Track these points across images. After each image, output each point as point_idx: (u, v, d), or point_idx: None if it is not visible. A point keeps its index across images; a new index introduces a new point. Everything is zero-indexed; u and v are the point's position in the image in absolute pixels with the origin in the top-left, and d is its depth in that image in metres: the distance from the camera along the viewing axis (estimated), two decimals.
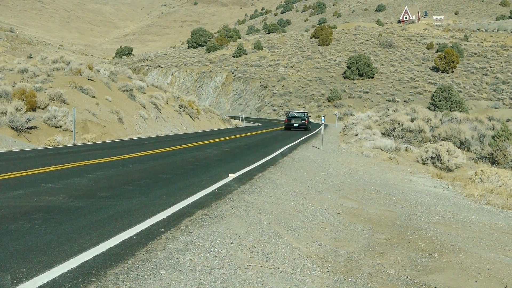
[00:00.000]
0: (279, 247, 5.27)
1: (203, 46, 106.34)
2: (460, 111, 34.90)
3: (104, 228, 5.16)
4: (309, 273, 4.79)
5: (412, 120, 23.55)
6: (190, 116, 34.96)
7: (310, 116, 35.82)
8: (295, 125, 31.48)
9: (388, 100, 64.52)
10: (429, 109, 35.87)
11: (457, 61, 74.63)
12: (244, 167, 10.59)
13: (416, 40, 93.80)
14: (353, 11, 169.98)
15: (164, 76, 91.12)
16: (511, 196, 10.58)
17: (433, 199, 9.57)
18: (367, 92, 69.22)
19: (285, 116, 34.78)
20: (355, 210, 7.83)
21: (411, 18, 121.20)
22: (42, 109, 19.59)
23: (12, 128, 17.12)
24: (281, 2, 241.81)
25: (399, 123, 23.50)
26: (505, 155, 16.82)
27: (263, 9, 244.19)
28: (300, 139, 21.97)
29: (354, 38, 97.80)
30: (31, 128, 17.79)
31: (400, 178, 12.50)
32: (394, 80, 73.61)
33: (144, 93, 30.88)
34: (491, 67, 74.44)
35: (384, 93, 68.57)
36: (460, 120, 24.05)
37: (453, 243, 6.21)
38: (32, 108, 19.13)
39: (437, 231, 6.81)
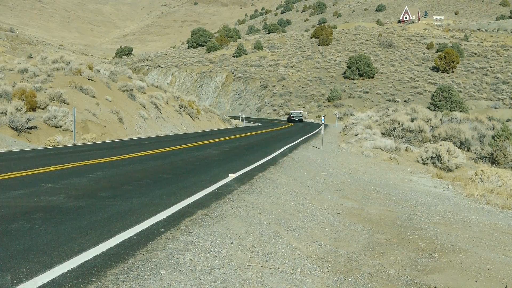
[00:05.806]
0: (279, 247, 5.26)
1: (203, 46, 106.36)
2: (460, 111, 34.89)
3: (104, 228, 5.16)
4: (309, 273, 4.79)
5: (412, 120, 23.52)
6: (190, 116, 34.96)
7: (302, 114, 54.34)
8: (296, 119, 50.36)
9: (388, 100, 64.50)
10: (429, 109, 35.84)
11: (457, 61, 74.60)
12: (244, 167, 10.58)
13: (416, 40, 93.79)
14: (353, 11, 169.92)
15: (164, 76, 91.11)
16: (511, 196, 10.58)
17: (433, 199, 9.56)
18: (367, 92, 69.21)
19: (289, 114, 54.60)
20: (355, 210, 7.83)
21: (411, 18, 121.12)
22: (42, 109, 19.59)
23: (12, 128, 17.12)
24: (281, 2, 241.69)
25: (399, 123, 23.48)
26: (505, 155, 16.82)
27: (263, 9, 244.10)
28: (300, 139, 21.95)
29: (354, 38, 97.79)
30: (31, 128, 17.80)
31: (400, 178, 12.50)
32: (394, 80, 73.60)
33: (144, 93, 30.89)
34: (491, 67, 74.42)
35: (384, 93, 68.55)
36: (460, 120, 24.03)
37: (453, 243, 6.21)
38: (32, 108, 19.13)
39: (437, 231, 6.81)
